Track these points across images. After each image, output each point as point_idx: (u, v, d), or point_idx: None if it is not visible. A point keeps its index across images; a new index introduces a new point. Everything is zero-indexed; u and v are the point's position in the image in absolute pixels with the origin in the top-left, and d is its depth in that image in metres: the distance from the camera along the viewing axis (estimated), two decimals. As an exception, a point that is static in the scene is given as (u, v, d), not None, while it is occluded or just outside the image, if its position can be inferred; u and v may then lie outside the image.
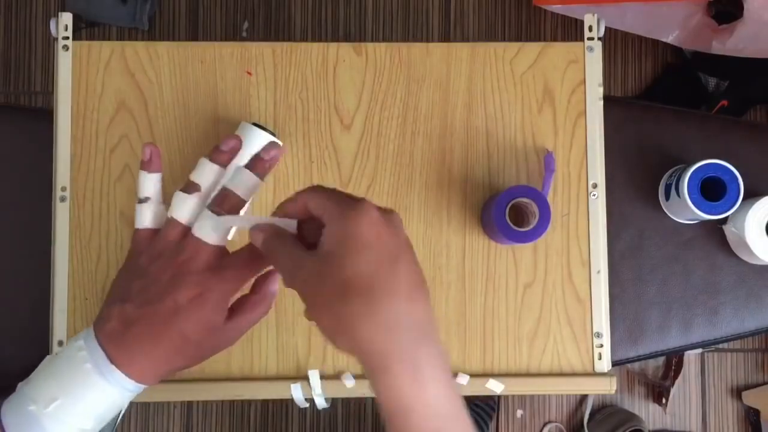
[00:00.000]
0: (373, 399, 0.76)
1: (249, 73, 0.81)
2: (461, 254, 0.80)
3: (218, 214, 0.52)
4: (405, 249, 0.45)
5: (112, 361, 0.50)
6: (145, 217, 0.56)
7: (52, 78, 0.87)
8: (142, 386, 0.51)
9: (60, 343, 0.77)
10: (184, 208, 0.54)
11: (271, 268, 0.55)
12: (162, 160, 0.55)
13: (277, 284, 0.55)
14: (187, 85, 0.81)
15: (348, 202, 0.45)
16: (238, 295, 0.54)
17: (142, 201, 0.56)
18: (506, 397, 1.48)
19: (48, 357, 0.54)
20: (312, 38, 1.53)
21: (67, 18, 0.80)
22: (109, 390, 0.50)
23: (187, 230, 0.53)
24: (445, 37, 1.53)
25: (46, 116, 0.82)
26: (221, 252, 0.53)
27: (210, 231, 0.52)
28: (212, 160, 0.55)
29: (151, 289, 0.51)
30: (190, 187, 0.54)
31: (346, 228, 0.43)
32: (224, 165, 0.56)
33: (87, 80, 0.80)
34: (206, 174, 0.55)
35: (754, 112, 1.53)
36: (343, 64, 0.81)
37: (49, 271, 0.78)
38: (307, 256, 0.45)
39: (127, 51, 0.80)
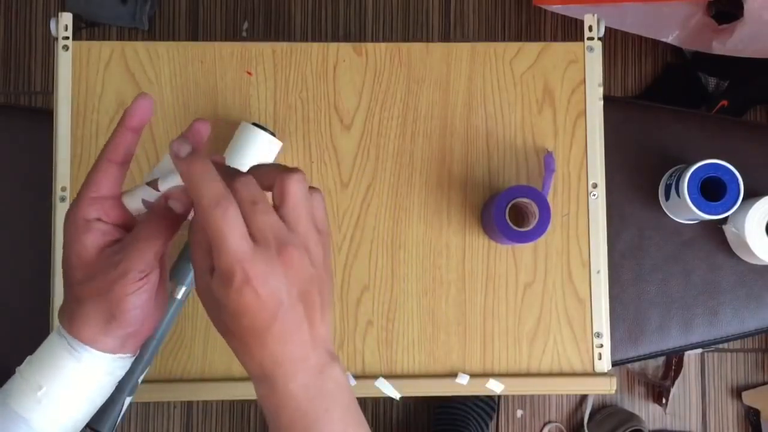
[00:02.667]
0: (372, 399, 0.76)
1: (249, 73, 0.81)
2: (461, 254, 0.80)
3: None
4: (278, 307, 0.44)
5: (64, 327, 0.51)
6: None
7: (52, 78, 0.87)
8: (101, 352, 0.50)
9: (60, 343, 0.77)
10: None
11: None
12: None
13: (177, 198, 0.50)
14: (187, 85, 0.81)
15: (227, 264, 0.43)
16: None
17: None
18: (506, 397, 1.48)
19: None
20: (312, 38, 1.53)
21: (67, 18, 0.80)
22: (57, 340, 0.50)
23: None
24: (445, 37, 1.53)
25: (46, 116, 0.83)
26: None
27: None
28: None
29: None
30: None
31: (216, 292, 0.44)
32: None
33: (87, 80, 0.80)
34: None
35: (754, 112, 1.53)
36: (343, 64, 0.81)
37: (49, 271, 0.78)
38: (206, 279, 0.46)
39: (127, 51, 0.80)
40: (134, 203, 0.51)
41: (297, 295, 0.45)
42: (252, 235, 0.44)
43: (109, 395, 0.54)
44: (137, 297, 0.48)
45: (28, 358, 0.51)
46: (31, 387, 0.50)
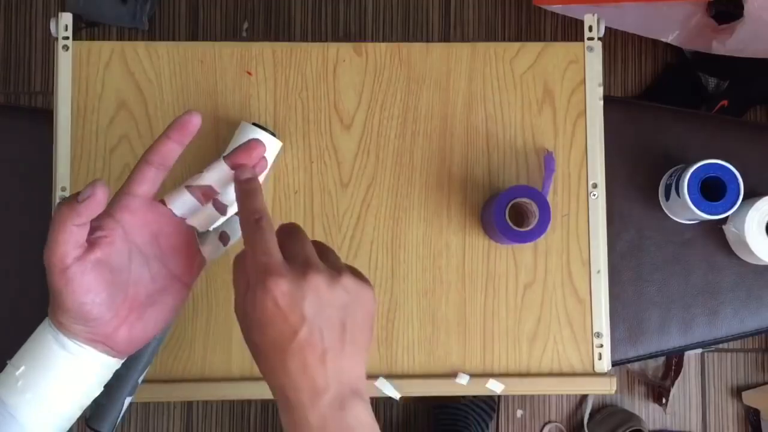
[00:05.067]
0: (373, 399, 0.76)
1: (249, 73, 0.81)
2: (461, 254, 0.80)
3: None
4: (299, 322, 0.47)
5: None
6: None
7: (52, 78, 0.87)
8: (69, 340, 0.50)
9: (60, 343, 0.77)
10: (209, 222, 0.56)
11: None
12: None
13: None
14: (187, 85, 0.81)
15: (256, 277, 0.47)
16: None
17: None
18: (506, 397, 1.48)
19: None
20: (312, 38, 1.53)
21: (67, 18, 0.80)
22: (44, 327, 0.51)
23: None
24: (445, 37, 1.53)
25: (46, 116, 0.83)
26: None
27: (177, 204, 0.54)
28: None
29: None
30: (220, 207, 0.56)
31: (246, 306, 0.47)
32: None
33: (87, 80, 0.80)
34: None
35: (754, 112, 1.53)
36: (343, 64, 0.81)
37: (49, 271, 0.78)
38: (243, 298, 0.48)
39: (127, 51, 0.80)
40: (181, 210, 0.54)
41: (320, 320, 0.47)
42: (283, 254, 0.47)
43: (94, 396, 0.53)
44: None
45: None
46: (14, 367, 0.51)
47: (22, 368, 0.50)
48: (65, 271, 0.48)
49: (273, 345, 0.46)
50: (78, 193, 0.48)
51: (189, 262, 0.55)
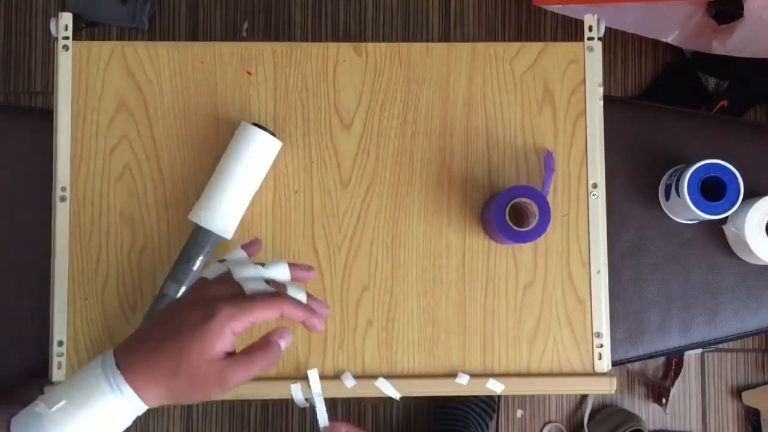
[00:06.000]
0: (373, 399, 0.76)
1: (249, 73, 0.81)
2: (461, 254, 0.80)
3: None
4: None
5: (119, 368, 0.51)
6: (214, 273, 0.59)
7: (52, 78, 0.87)
8: (142, 402, 0.52)
9: (60, 343, 0.77)
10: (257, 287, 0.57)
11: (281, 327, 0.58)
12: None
13: (286, 339, 0.56)
14: (187, 85, 0.81)
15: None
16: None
17: (221, 260, 0.59)
18: (506, 397, 1.48)
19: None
20: (312, 38, 1.53)
21: (67, 18, 0.80)
22: (110, 395, 0.50)
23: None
24: (445, 37, 1.53)
25: (46, 116, 0.83)
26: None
27: (252, 284, 0.56)
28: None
29: (174, 313, 0.55)
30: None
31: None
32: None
33: (87, 80, 0.80)
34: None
35: (754, 112, 1.53)
36: (343, 64, 0.81)
37: (49, 272, 0.78)
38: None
39: (127, 51, 0.80)
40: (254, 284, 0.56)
41: None
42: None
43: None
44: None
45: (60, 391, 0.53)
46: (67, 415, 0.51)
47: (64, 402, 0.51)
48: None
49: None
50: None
51: None
